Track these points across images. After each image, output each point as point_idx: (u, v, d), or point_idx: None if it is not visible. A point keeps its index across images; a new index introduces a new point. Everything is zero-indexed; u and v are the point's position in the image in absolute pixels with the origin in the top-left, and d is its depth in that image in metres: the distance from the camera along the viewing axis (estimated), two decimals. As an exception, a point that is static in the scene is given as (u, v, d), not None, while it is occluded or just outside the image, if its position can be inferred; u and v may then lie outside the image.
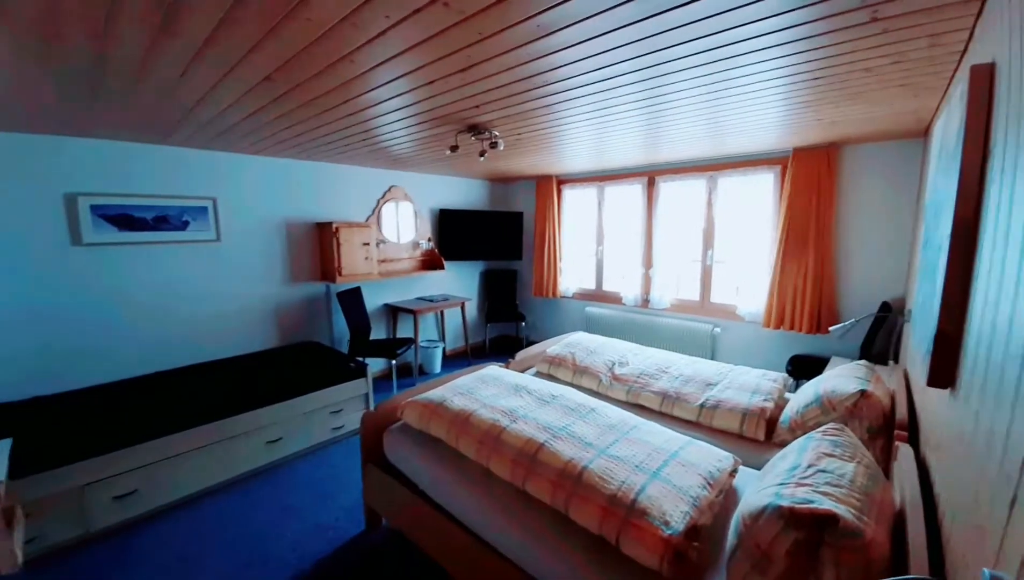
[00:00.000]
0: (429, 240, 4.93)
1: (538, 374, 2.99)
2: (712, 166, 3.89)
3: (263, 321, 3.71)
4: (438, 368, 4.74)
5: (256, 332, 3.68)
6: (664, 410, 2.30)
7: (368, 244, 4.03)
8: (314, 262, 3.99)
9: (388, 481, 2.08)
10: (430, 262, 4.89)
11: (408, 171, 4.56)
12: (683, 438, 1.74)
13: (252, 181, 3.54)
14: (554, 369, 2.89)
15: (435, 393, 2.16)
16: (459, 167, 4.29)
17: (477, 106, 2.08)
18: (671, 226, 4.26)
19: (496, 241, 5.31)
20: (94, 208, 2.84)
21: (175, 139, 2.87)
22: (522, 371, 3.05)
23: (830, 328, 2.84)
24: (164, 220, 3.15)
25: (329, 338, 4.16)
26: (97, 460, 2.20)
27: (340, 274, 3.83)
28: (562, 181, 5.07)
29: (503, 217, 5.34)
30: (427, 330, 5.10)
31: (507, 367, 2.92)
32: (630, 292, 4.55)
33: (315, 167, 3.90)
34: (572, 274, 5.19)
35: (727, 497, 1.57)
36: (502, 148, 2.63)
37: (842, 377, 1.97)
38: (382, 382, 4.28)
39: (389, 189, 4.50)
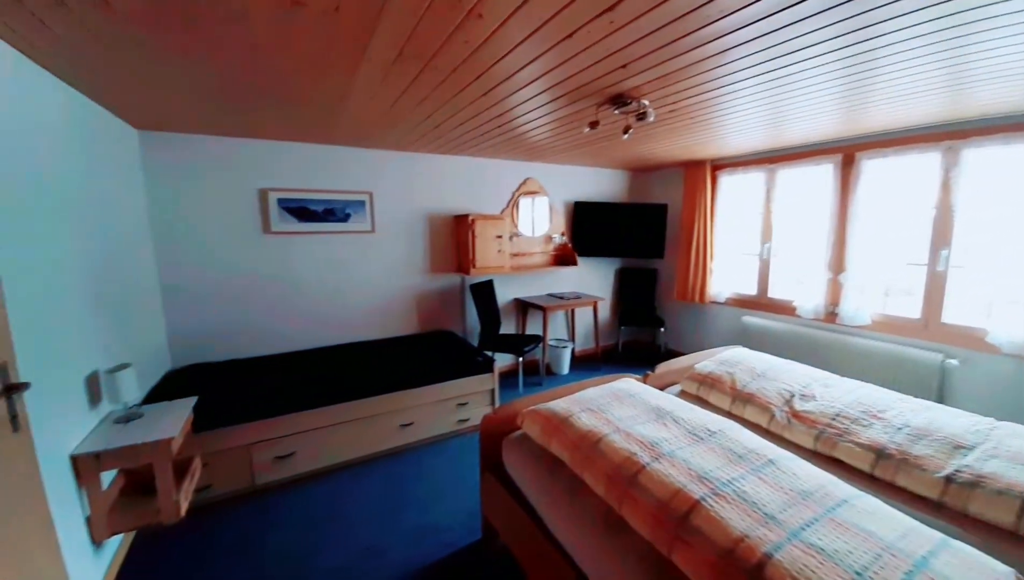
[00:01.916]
0: (562, 234, 4.69)
1: (682, 394, 2.48)
2: (951, 133, 2.80)
3: (406, 308, 3.93)
4: (566, 369, 4.48)
5: (399, 318, 3.91)
6: (879, 475, 1.62)
7: (501, 237, 3.97)
8: (451, 253, 4.08)
9: (504, 495, 1.89)
10: (562, 257, 4.65)
11: (543, 162, 4.38)
12: (930, 533, 1.13)
13: (401, 176, 3.75)
14: (705, 391, 2.36)
15: (560, 404, 1.88)
16: (597, 154, 3.93)
17: (624, 66, 1.71)
18: (877, 217, 3.23)
19: (635, 236, 4.79)
20: (280, 201, 3.29)
21: (337, 138, 3.15)
22: (661, 388, 2.58)
23: None
24: (331, 212, 3.52)
25: (462, 329, 4.23)
26: (267, 422, 2.49)
27: (474, 266, 3.84)
28: (718, 165, 4.31)
29: (644, 210, 4.79)
30: (556, 328, 4.88)
31: (644, 381, 2.49)
32: (808, 301, 3.62)
33: (456, 161, 3.97)
34: (725, 276, 4.39)
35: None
36: (652, 119, 2.20)
37: None
38: (508, 378, 4.20)
39: (524, 181, 4.38)
